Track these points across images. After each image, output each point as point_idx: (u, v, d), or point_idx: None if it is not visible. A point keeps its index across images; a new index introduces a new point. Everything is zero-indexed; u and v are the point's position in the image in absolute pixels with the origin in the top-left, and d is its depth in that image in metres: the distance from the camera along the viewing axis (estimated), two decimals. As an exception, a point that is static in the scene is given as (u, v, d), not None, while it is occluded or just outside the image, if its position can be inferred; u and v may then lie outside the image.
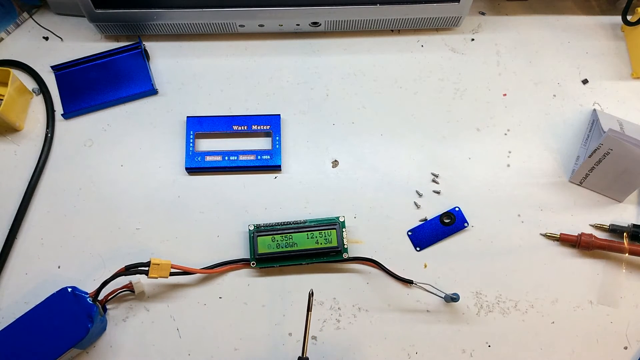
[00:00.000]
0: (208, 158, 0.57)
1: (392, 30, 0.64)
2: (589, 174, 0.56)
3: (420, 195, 0.57)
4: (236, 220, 0.56)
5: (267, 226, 0.53)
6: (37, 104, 0.60)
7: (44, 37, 0.63)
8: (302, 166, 0.58)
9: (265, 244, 0.52)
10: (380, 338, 0.52)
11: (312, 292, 0.48)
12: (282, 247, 0.52)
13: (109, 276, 0.49)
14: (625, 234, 0.54)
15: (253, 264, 0.53)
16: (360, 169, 0.58)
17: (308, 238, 0.53)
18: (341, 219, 0.54)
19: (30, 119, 0.59)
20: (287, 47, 0.63)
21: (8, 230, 0.54)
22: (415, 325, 0.53)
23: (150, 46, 0.63)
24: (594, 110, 0.60)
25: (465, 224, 0.56)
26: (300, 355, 0.47)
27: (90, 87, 0.60)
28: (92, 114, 0.60)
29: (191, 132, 0.58)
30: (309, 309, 0.48)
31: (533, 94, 0.61)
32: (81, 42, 0.63)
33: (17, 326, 0.47)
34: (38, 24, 0.63)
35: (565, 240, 0.55)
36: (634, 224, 0.55)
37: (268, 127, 0.58)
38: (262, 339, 0.52)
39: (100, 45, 0.63)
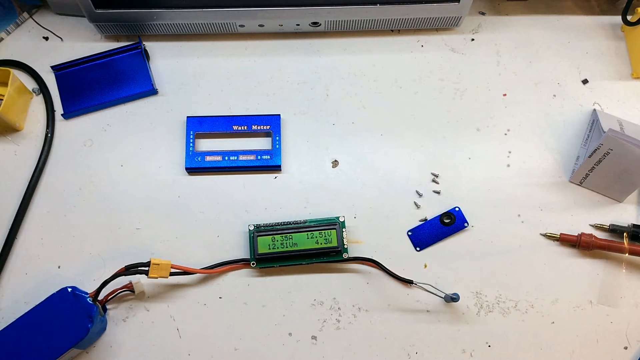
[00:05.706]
0: (208, 158, 0.57)
1: (392, 30, 0.64)
2: (589, 174, 0.56)
3: (420, 195, 0.57)
4: (236, 220, 0.56)
5: (267, 226, 0.53)
6: (37, 104, 0.60)
7: (44, 37, 0.63)
8: (302, 166, 0.58)
9: (265, 244, 0.52)
10: (380, 338, 0.52)
11: None
12: (282, 247, 0.52)
13: (109, 276, 0.49)
14: (625, 234, 0.54)
15: (253, 264, 0.53)
16: (360, 169, 0.58)
17: (308, 238, 0.53)
18: (341, 219, 0.54)
19: (30, 119, 0.59)
20: (287, 47, 0.63)
21: (8, 230, 0.54)
22: (415, 325, 0.52)
23: (150, 46, 0.63)
24: (594, 110, 0.60)
25: (465, 224, 0.56)
26: None
27: (90, 87, 0.60)
28: (92, 114, 0.60)
29: (191, 132, 0.58)
30: None
31: (533, 94, 0.61)
32: (81, 42, 0.63)
33: (17, 326, 0.47)
34: (38, 24, 0.63)
35: (565, 240, 0.55)
36: (634, 224, 0.55)
37: (268, 127, 0.58)
38: (262, 339, 0.52)
39: (100, 45, 0.63)
